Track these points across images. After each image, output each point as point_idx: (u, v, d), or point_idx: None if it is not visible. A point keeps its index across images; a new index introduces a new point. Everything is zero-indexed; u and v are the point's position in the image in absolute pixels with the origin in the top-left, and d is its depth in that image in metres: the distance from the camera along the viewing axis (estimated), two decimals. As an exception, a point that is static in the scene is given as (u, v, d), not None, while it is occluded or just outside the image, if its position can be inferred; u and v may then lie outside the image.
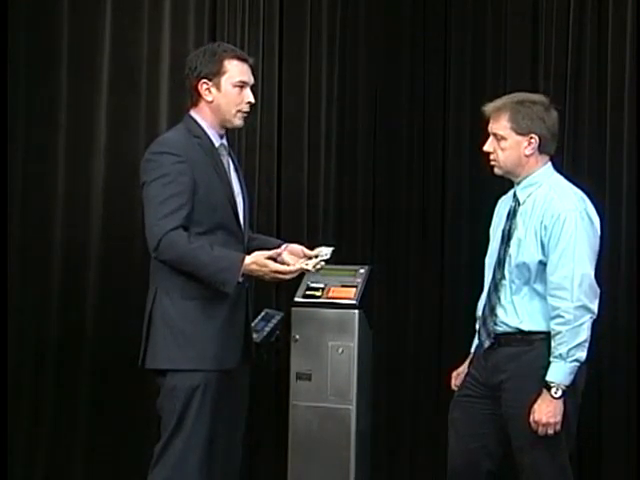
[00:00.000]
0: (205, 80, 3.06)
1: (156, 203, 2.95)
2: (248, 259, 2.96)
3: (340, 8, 4.62)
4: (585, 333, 2.87)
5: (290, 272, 2.98)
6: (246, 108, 3.11)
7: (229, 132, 3.24)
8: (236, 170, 3.20)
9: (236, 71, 3.07)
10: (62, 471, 4.38)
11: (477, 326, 3.19)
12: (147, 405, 4.26)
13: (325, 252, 3.01)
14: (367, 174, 4.61)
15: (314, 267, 2.97)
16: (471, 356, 3.23)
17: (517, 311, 2.99)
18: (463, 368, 3.27)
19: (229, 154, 3.18)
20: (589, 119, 4.08)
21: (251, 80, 3.12)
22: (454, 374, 3.29)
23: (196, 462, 2.97)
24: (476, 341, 3.20)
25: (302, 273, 3.95)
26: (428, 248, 4.52)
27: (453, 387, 3.27)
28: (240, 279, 2.95)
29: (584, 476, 4.05)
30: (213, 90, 3.06)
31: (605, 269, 3.95)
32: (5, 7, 4.23)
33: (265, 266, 2.95)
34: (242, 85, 3.08)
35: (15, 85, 4.35)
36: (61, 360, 4.40)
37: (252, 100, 3.12)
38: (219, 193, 3.04)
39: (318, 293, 3.92)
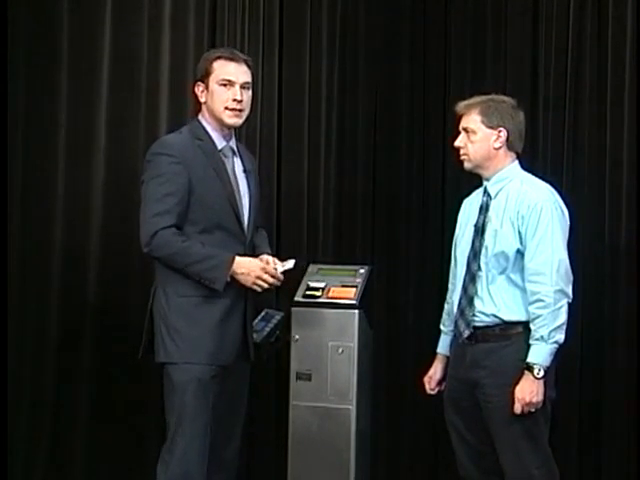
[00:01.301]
0: (199, 83, 3.19)
1: (151, 201, 3.04)
2: (239, 258, 3.06)
3: (340, 7, 4.62)
4: (563, 316, 3.00)
5: (275, 274, 3.11)
6: (232, 105, 3.16)
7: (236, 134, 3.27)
8: (246, 173, 3.24)
9: (221, 70, 3.16)
10: (62, 471, 4.38)
11: (446, 323, 3.33)
12: (147, 405, 4.27)
13: (290, 264, 3.21)
14: (367, 174, 4.61)
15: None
16: (442, 358, 3.35)
17: (494, 300, 3.09)
18: (434, 371, 3.35)
19: (239, 156, 3.23)
20: (589, 119, 4.08)
21: (240, 79, 3.17)
22: (426, 379, 3.38)
23: (198, 459, 3.02)
24: (443, 341, 3.35)
25: (302, 274, 3.98)
26: (428, 248, 4.52)
27: (429, 391, 3.34)
28: (228, 278, 3.03)
29: (584, 475, 4.05)
30: (205, 91, 3.18)
31: (605, 268, 3.97)
32: (5, 7, 4.23)
33: (252, 264, 3.08)
34: (227, 83, 3.15)
35: (15, 85, 4.34)
36: (61, 360, 4.40)
37: (238, 97, 3.15)
38: (217, 193, 3.10)
39: (318, 293, 3.92)
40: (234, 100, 3.14)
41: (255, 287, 3.09)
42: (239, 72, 3.17)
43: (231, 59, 3.18)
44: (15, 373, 4.32)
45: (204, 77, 3.16)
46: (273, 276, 3.10)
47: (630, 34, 3.94)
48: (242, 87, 3.16)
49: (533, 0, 4.28)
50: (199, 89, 3.18)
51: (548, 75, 4.16)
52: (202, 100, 3.18)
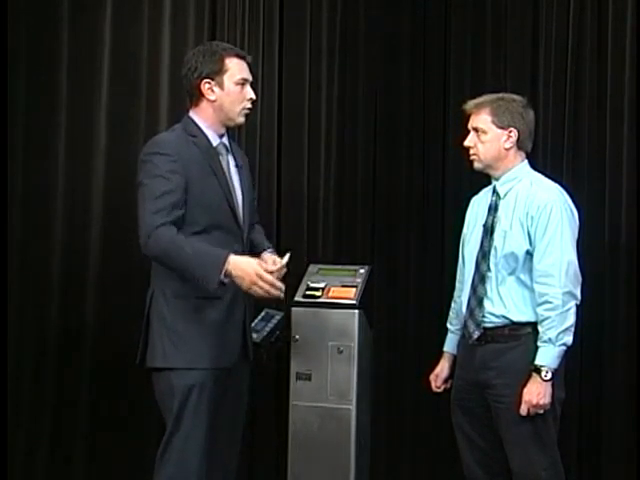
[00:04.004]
0: (207, 80, 3.07)
1: (149, 200, 2.96)
2: (235, 258, 2.87)
3: (340, 8, 4.61)
4: (572, 318, 3.00)
5: (271, 282, 2.85)
6: (248, 105, 3.13)
7: (229, 131, 3.25)
8: (238, 168, 3.19)
9: (237, 69, 3.09)
10: (62, 471, 4.38)
11: (453, 322, 3.32)
12: (147, 405, 4.26)
13: (286, 259, 3.00)
14: (367, 174, 4.61)
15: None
16: (449, 356, 3.34)
17: (504, 301, 3.08)
18: (440, 369, 3.35)
19: (232, 153, 3.18)
20: (589, 118, 4.08)
21: (250, 77, 3.15)
22: (432, 377, 3.37)
23: (196, 461, 2.98)
24: (450, 340, 3.34)
25: (302, 274, 3.98)
26: (428, 248, 4.52)
27: (434, 389, 3.34)
28: (223, 278, 2.85)
29: (584, 475, 4.05)
30: (216, 89, 3.07)
31: (605, 268, 3.97)
32: (5, 7, 4.23)
33: (249, 268, 2.84)
34: (243, 82, 3.11)
35: (15, 85, 4.35)
36: (61, 360, 4.40)
37: (253, 97, 3.13)
38: (214, 191, 3.04)
39: (318, 293, 3.92)
40: (249, 99, 3.11)
41: (251, 292, 2.88)
42: (248, 70, 3.14)
43: (243, 57, 3.12)
44: (15, 373, 4.32)
45: (215, 74, 3.05)
46: (270, 284, 2.85)
47: (630, 34, 3.94)
48: (250, 85, 3.14)
49: (533, 0, 4.28)
50: (206, 86, 3.06)
51: (548, 75, 4.16)
52: (211, 98, 3.06)
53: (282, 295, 2.91)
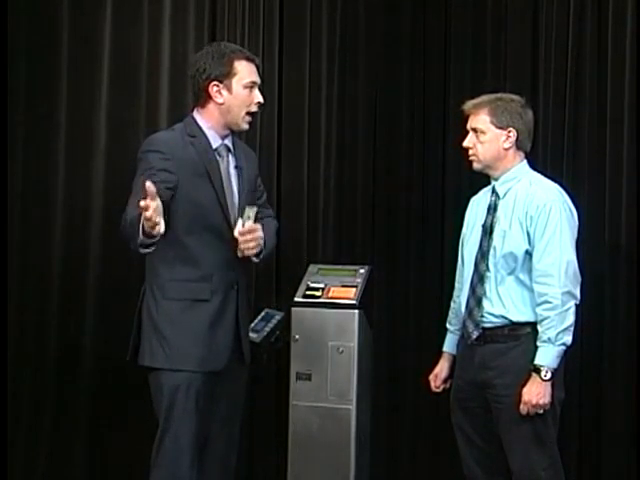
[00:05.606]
0: (216, 82, 3.04)
1: (132, 195, 2.94)
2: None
3: (340, 8, 4.61)
4: (571, 318, 3.00)
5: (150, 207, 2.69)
6: (255, 109, 3.11)
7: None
8: (237, 169, 3.15)
9: (246, 72, 3.07)
10: (62, 471, 4.38)
11: (452, 322, 3.32)
12: (147, 405, 4.26)
13: (248, 213, 2.93)
14: (367, 174, 4.61)
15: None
16: (449, 356, 3.35)
17: (503, 301, 3.08)
18: (440, 369, 3.35)
19: (234, 154, 3.15)
20: (589, 119, 4.08)
21: (259, 80, 3.12)
22: (431, 377, 3.38)
23: (187, 462, 2.97)
24: (450, 340, 3.34)
25: (302, 274, 3.98)
26: (428, 248, 4.52)
27: (434, 389, 3.34)
28: (143, 239, 2.75)
29: (584, 475, 4.05)
30: (224, 92, 3.05)
31: (605, 268, 3.97)
32: (5, 7, 4.23)
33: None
34: (252, 86, 3.08)
35: (15, 85, 4.35)
36: (61, 360, 4.40)
37: (261, 100, 3.11)
38: (206, 193, 3.01)
39: (318, 293, 3.92)
40: (257, 103, 3.09)
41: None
42: (257, 73, 3.11)
43: (252, 60, 3.10)
44: (15, 373, 4.32)
45: (224, 77, 3.02)
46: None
47: (630, 34, 3.94)
48: (258, 88, 3.11)
49: (533, 0, 4.28)
50: (214, 89, 3.04)
51: (548, 75, 4.16)
52: (219, 101, 3.04)
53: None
